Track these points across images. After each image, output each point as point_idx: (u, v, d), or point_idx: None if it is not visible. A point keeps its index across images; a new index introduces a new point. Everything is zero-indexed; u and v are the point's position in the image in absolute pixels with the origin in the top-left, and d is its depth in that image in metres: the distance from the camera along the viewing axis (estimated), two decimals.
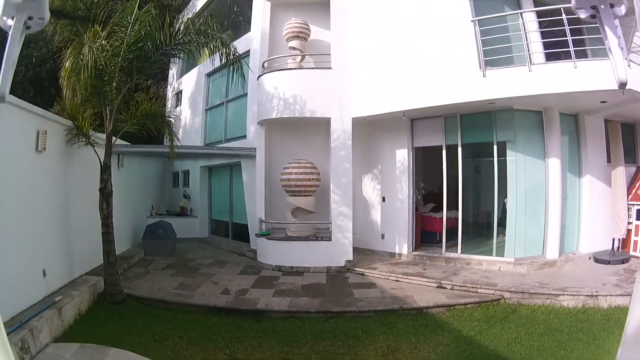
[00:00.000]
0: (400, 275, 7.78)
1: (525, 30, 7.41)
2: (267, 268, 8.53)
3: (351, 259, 8.37)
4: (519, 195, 8.01)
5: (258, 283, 7.73)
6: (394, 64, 8.07)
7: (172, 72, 14.66)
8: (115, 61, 6.45)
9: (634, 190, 8.27)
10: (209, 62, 11.65)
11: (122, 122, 7.43)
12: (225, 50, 7.26)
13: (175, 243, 9.87)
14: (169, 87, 14.73)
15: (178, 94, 13.82)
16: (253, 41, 9.98)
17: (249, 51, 10.10)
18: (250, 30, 10.34)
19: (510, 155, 7.95)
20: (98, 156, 6.81)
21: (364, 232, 9.14)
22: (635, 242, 8.11)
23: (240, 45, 10.38)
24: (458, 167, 8.27)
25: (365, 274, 8.11)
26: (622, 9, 1.40)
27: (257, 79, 9.10)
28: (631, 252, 8.08)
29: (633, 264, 7.79)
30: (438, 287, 7.29)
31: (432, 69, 7.60)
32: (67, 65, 6.18)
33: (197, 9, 13.33)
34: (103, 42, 6.21)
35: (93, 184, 6.87)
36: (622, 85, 1.40)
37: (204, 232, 11.62)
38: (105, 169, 6.82)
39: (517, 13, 7.55)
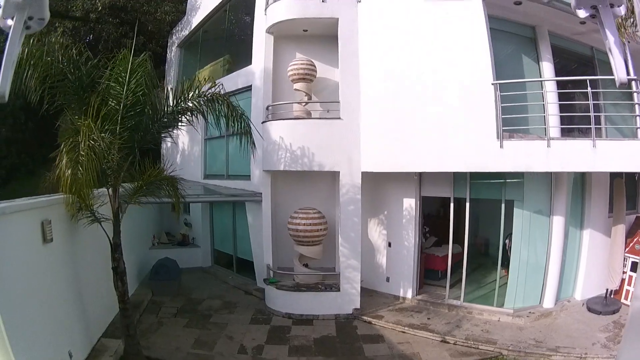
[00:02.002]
0: (406, 327, 8.08)
1: (544, 101, 7.38)
2: (277, 315, 8.71)
3: (358, 307, 8.60)
4: (522, 249, 8.28)
5: (271, 336, 7.91)
6: (408, 120, 7.95)
7: (166, 89, 13.95)
8: (114, 143, 6.09)
9: (631, 244, 8.60)
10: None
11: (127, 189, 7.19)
12: (239, 121, 6.97)
13: (180, 280, 9.95)
14: None
15: None
16: (255, 77, 9.60)
17: (250, 86, 9.74)
18: (251, 63, 9.88)
19: (517, 214, 8.17)
20: (107, 235, 6.65)
21: (369, 274, 9.33)
22: (627, 291, 8.56)
23: (240, 79, 10.13)
24: (465, 220, 8.42)
25: (373, 322, 8.39)
26: (622, 9, 1.43)
27: (262, 124, 8.83)
28: (622, 300, 8.54)
29: (623, 315, 8.28)
30: (442, 341, 7.66)
31: (447, 132, 7.54)
32: (63, 162, 5.78)
33: (193, 26, 12.57)
34: (101, 135, 5.83)
35: (103, 242, 6.69)
36: (622, 85, 1.43)
37: (206, 261, 11.65)
38: (115, 248, 6.70)
39: (539, 81, 7.49)
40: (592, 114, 6.98)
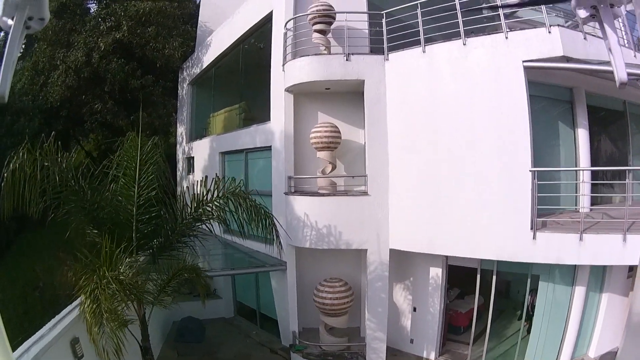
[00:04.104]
0: None
1: (578, 191, 7.18)
2: None
3: None
4: (544, 316, 8.35)
5: None
6: (440, 199, 7.81)
7: (180, 130, 13.48)
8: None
9: None
10: (223, 141, 10.97)
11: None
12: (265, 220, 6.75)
13: (205, 338, 10.03)
14: (178, 146, 13.67)
15: (190, 160, 12.89)
16: (274, 137, 9.28)
17: (270, 147, 9.40)
18: (269, 118, 9.49)
19: (542, 286, 8.20)
20: (136, 339, 6.60)
21: (393, 334, 9.37)
22: None
23: (259, 137, 9.79)
24: (491, 292, 8.41)
25: None
26: (622, 9, 1.44)
27: (285, 194, 8.61)
28: None
29: None
30: None
31: (480, 218, 7.42)
32: (85, 304, 5.54)
33: (204, 65, 11.94)
34: (125, 272, 5.67)
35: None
36: (622, 84, 1.44)
37: (229, 311, 11.68)
38: (146, 351, 6.68)
39: (574, 170, 7.28)
40: (626, 207, 6.90)
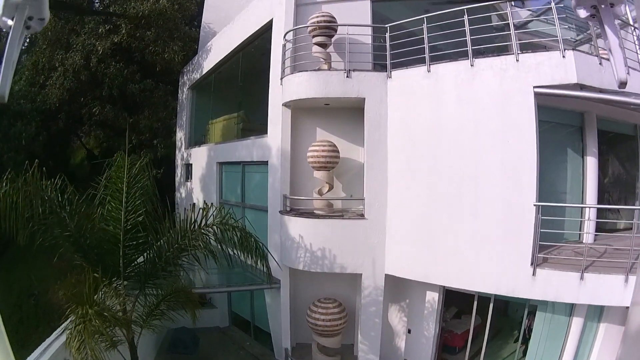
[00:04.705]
0: None
1: (582, 230, 6.90)
2: None
3: None
4: (541, 340, 8.17)
5: None
6: (440, 229, 7.57)
7: (179, 135, 13.26)
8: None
9: None
10: (220, 151, 10.79)
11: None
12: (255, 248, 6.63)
13: (198, 350, 10.03)
14: (177, 151, 13.46)
15: (188, 167, 12.71)
16: (271, 153, 9.08)
17: (266, 162, 9.18)
18: (267, 132, 9.25)
19: (539, 316, 7.99)
20: (123, 357, 6.61)
21: (386, 354, 9.29)
22: None
23: (256, 151, 9.57)
24: (488, 315, 8.25)
25: None
26: (622, 9, 1.42)
27: (280, 213, 8.44)
28: None
29: None
30: None
31: (479, 250, 7.19)
32: (71, 334, 5.52)
33: (204, 71, 11.64)
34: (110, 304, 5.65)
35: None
36: (622, 84, 1.42)
37: (224, 321, 11.67)
38: None
39: (580, 207, 6.99)
40: (631, 247, 6.62)
